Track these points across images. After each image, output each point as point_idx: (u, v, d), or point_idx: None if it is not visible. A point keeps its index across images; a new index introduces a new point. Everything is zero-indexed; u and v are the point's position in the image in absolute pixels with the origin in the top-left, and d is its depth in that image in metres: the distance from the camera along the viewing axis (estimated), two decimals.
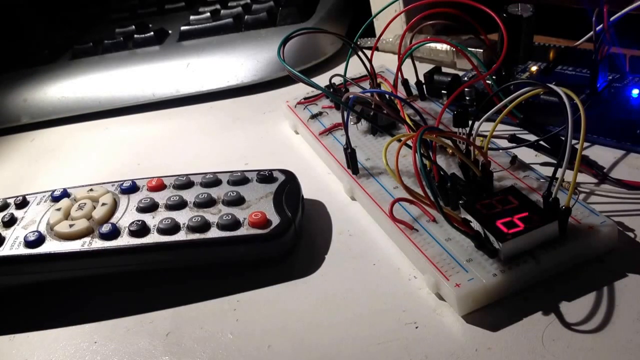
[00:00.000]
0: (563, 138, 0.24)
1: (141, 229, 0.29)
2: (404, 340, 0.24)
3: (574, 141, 0.24)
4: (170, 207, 0.30)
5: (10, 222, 0.31)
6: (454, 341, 0.24)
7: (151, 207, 0.30)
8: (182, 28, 0.51)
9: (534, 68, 0.37)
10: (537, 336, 0.23)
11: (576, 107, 0.24)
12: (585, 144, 0.32)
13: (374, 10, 0.46)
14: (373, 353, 0.24)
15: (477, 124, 0.28)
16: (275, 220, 0.29)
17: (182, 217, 0.30)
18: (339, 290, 0.27)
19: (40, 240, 0.29)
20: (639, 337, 0.22)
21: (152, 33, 0.51)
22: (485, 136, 0.28)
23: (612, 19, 0.32)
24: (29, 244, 0.29)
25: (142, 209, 0.30)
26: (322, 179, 0.35)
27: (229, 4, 0.55)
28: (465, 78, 0.39)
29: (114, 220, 0.30)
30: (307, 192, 0.32)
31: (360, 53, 0.35)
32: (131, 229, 0.29)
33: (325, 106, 0.38)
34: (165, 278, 0.30)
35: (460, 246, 0.26)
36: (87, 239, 0.29)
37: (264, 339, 0.26)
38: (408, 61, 0.36)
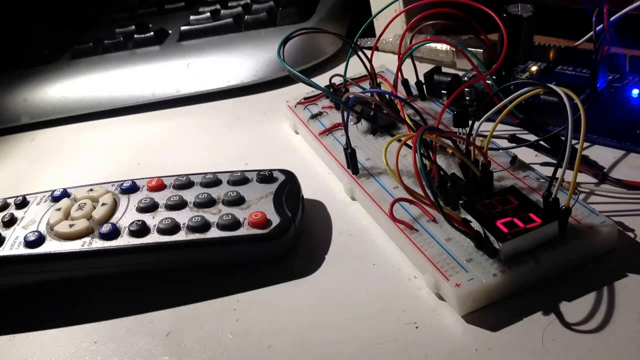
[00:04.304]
0: (563, 138, 0.24)
1: (141, 229, 0.29)
2: (404, 340, 0.24)
3: (574, 141, 0.24)
4: (170, 207, 0.30)
5: (10, 222, 0.31)
6: (454, 341, 0.24)
7: (151, 207, 0.30)
8: (182, 28, 0.51)
9: (534, 68, 0.37)
10: (537, 336, 0.23)
11: (576, 107, 0.24)
12: (585, 144, 0.32)
13: (374, 10, 0.46)
14: (373, 353, 0.24)
15: (477, 124, 0.28)
16: (275, 220, 0.29)
17: (182, 217, 0.30)
18: (339, 290, 0.27)
19: (40, 240, 0.29)
20: (639, 337, 0.22)
21: (152, 33, 0.51)
22: (485, 136, 0.28)
23: (612, 19, 0.32)
24: (29, 244, 0.29)
25: (142, 209, 0.30)
26: (322, 179, 0.35)
27: (229, 4, 0.55)
28: (465, 78, 0.39)
29: (114, 220, 0.30)
30: (307, 192, 0.32)
31: (360, 53, 0.35)
32: (131, 229, 0.29)
33: (325, 106, 0.38)
34: (165, 278, 0.30)
35: (460, 246, 0.26)
36: (87, 239, 0.29)
37: (264, 339, 0.26)
38: (408, 61, 0.36)
